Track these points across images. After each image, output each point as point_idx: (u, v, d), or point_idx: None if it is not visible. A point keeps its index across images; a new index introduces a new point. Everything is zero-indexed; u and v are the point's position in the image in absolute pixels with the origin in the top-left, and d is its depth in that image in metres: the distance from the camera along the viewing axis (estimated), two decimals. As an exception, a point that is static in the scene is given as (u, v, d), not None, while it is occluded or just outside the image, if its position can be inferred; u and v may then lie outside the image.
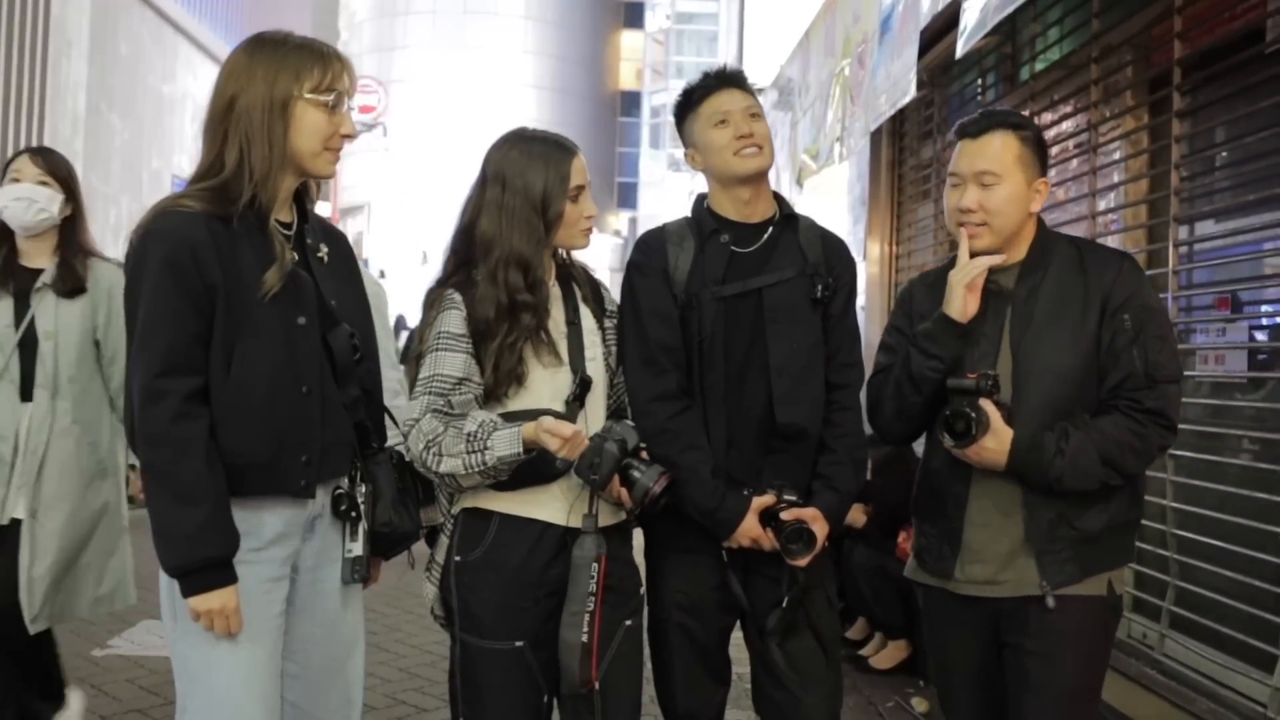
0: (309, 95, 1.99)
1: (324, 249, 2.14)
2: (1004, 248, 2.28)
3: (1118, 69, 3.97)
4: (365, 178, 34.96)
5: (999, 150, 2.24)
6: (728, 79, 2.50)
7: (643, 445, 2.27)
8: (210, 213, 1.94)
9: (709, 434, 2.40)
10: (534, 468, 2.20)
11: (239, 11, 15.62)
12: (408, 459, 2.24)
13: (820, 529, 2.34)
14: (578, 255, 2.46)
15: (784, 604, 2.38)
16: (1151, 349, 2.19)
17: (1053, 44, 4.59)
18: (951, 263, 2.36)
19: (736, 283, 2.42)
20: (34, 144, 10.07)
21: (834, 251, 2.52)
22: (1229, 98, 3.40)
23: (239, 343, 1.93)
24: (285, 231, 2.05)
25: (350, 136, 2.06)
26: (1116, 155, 4.00)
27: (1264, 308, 3.35)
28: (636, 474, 2.21)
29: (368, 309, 2.21)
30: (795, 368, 2.41)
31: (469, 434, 2.15)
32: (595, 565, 2.19)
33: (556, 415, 2.22)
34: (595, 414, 2.33)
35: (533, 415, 2.19)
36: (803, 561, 2.32)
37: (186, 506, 1.88)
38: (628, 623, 2.32)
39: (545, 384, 2.26)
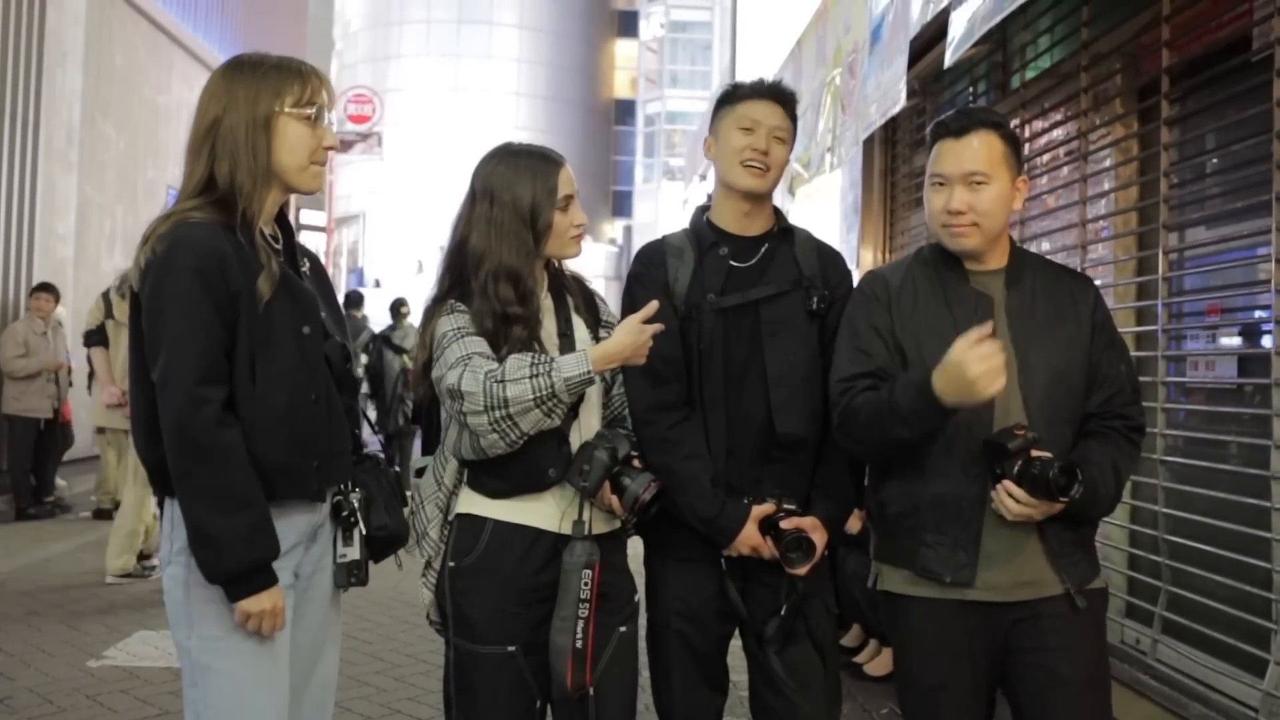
0: (290, 110, 2.04)
1: (306, 264, 2.19)
2: (984, 249, 2.27)
3: (1107, 77, 4.00)
4: (360, 187, 34.99)
5: (985, 150, 2.22)
6: (777, 94, 2.50)
7: (634, 454, 2.29)
8: (223, 224, 1.99)
9: (709, 443, 2.41)
10: (528, 475, 2.24)
11: (234, 22, 15.66)
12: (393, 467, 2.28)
13: (819, 538, 2.36)
14: (573, 264, 2.47)
15: (782, 612, 2.39)
16: (1133, 367, 2.29)
17: (1043, 52, 4.61)
18: (917, 258, 2.36)
19: (734, 294, 2.44)
20: (29, 154, 10.10)
21: (830, 264, 2.54)
22: (1217, 105, 3.43)
23: (259, 351, 1.97)
24: (275, 245, 2.09)
25: (333, 148, 2.10)
26: (1106, 162, 4.02)
27: (1255, 313, 3.37)
28: (627, 481, 2.24)
29: (344, 323, 2.24)
30: (793, 378, 2.43)
31: (530, 361, 2.16)
32: (588, 572, 2.21)
33: (550, 427, 2.24)
34: (589, 424, 2.35)
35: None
36: (802, 570, 2.33)
37: (234, 512, 1.91)
38: (622, 629, 2.33)
39: None
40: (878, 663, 4.49)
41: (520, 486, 2.26)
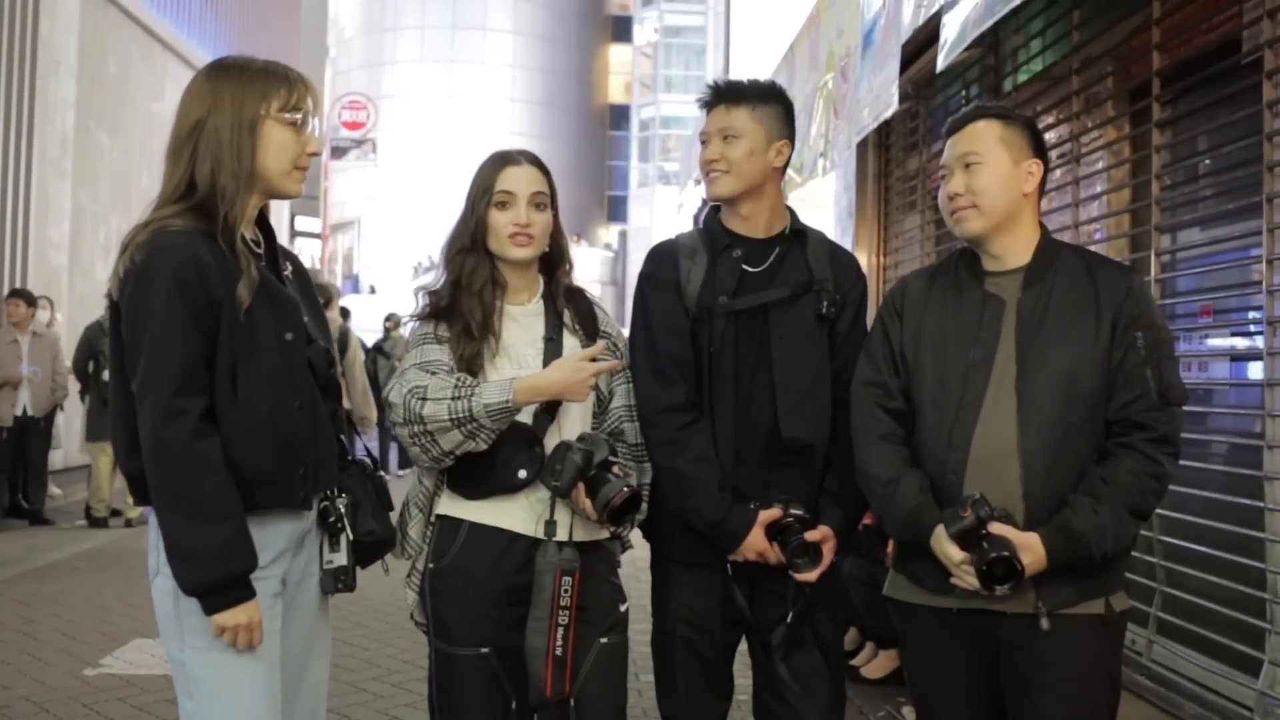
0: (276, 114, 2.02)
1: (289, 267, 2.18)
2: (997, 238, 2.22)
3: (1099, 80, 4.02)
4: (355, 193, 34.99)
5: (981, 133, 2.22)
6: (718, 95, 2.49)
7: (613, 459, 2.25)
8: (203, 230, 1.96)
9: (717, 447, 2.40)
10: (497, 477, 2.25)
11: (228, 29, 15.67)
12: (377, 471, 2.28)
13: (829, 547, 2.35)
14: (578, 277, 2.48)
15: (789, 619, 2.38)
16: (1166, 371, 2.14)
17: (1035, 56, 4.63)
18: (947, 261, 2.34)
19: (745, 297, 2.42)
20: (22, 162, 10.09)
21: (843, 267, 2.52)
22: (1208, 107, 3.45)
23: (241, 359, 1.96)
24: (255, 250, 2.08)
25: (316, 154, 2.10)
26: (1099, 165, 4.04)
27: (1248, 314, 3.38)
28: (601, 485, 2.21)
29: (326, 326, 2.24)
30: (801, 383, 2.41)
31: (457, 381, 2.19)
32: (568, 579, 2.21)
33: (523, 428, 2.26)
34: (570, 429, 2.32)
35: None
36: (810, 576, 2.33)
37: (210, 524, 1.89)
38: (603, 640, 2.30)
39: None
40: (874, 665, 4.49)
41: (492, 488, 2.27)
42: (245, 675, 1.98)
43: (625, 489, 2.19)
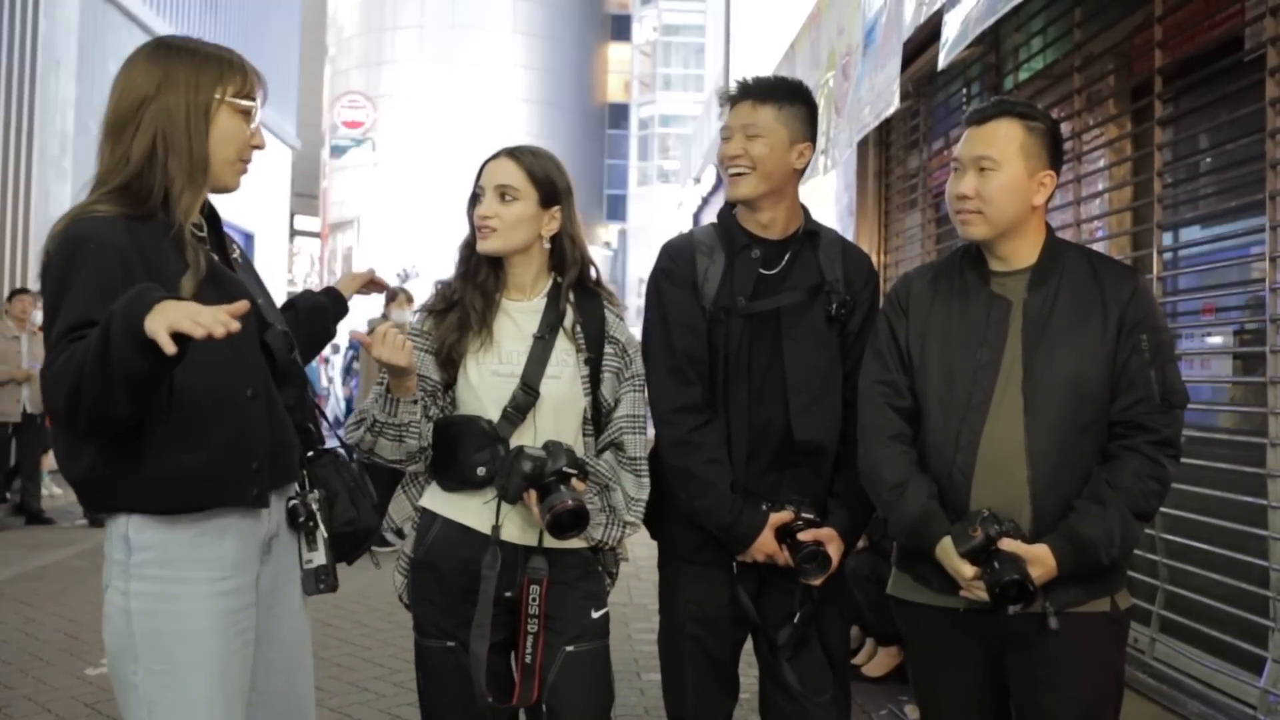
0: (231, 100, 1.90)
1: (236, 250, 2.04)
2: (1002, 242, 2.21)
3: (1100, 78, 4.01)
4: (355, 193, 34.96)
5: (1001, 137, 2.17)
6: (745, 91, 2.46)
7: (572, 472, 2.19)
8: (127, 215, 1.81)
9: (731, 448, 2.39)
10: (459, 471, 2.26)
11: (227, 29, 15.66)
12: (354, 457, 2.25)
13: (835, 550, 2.35)
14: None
15: (796, 620, 2.39)
16: (1169, 373, 2.14)
17: (1036, 53, 4.63)
18: (951, 259, 2.33)
19: (762, 300, 2.41)
20: (23, 162, 10.07)
21: (855, 266, 2.50)
22: (1210, 105, 3.44)
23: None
24: (199, 234, 1.92)
25: (259, 147, 1.98)
26: (1100, 163, 4.03)
27: (1249, 312, 3.38)
28: (549, 494, 2.16)
29: (277, 309, 2.12)
30: (812, 385, 2.41)
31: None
32: (536, 587, 2.21)
33: (488, 423, 2.26)
34: (544, 435, 2.28)
35: (468, 420, 2.27)
36: (817, 581, 2.34)
37: (85, 360, 1.59)
38: (569, 649, 2.27)
39: (484, 383, 2.28)
40: (875, 663, 4.50)
41: (456, 483, 2.28)
42: (204, 696, 1.81)
43: (570, 501, 2.13)
